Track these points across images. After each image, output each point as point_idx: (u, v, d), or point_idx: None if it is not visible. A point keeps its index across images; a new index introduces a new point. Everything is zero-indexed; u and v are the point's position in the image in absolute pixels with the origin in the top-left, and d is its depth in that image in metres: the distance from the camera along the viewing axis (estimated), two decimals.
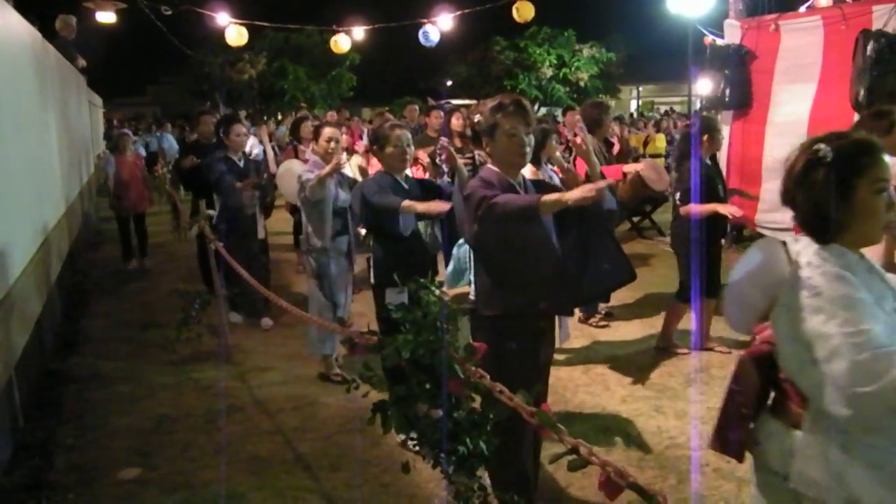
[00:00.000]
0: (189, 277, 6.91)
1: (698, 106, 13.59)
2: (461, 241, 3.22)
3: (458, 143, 7.12)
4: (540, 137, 4.62)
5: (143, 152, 15.86)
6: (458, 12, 11.94)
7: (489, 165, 2.74)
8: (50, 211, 5.66)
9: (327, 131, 4.69)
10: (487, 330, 2.65)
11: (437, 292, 2.12)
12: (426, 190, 3.82)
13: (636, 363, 4.79)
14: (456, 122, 7.23)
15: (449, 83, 29.92)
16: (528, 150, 2.65)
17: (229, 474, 3.44)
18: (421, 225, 3.92)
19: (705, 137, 4.73)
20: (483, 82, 27.94)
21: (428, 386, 2.05)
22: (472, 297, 2.76)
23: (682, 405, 4.11)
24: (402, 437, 2.26)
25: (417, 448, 2.17)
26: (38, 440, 3.82)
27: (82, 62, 9.20)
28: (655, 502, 1.45)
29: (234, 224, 5.56)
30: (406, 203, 3.57)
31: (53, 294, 5.36)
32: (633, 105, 34.91)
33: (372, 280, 3.81)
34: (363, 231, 4.21)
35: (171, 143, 17.27)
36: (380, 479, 3.37)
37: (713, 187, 4.77)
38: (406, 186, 3.76)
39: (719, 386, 4.36)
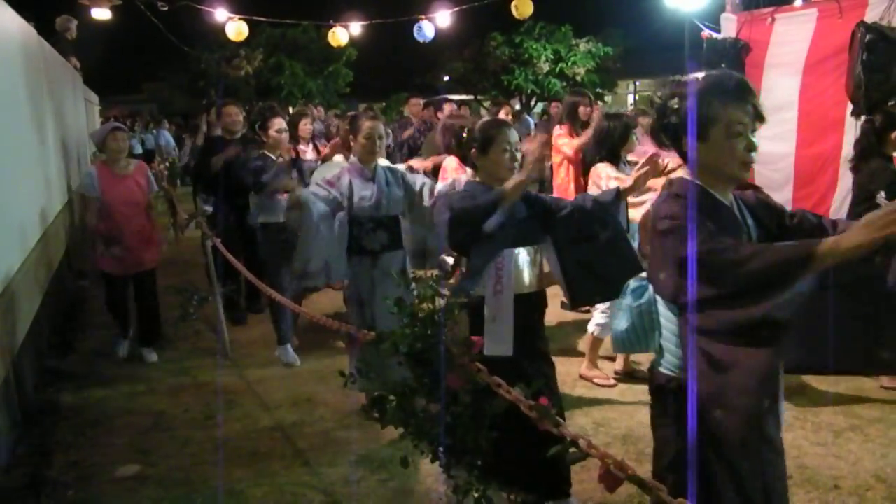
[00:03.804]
0: (186, 274, 6.89)
1: None
2: (633, 284, 2.20)
3: None
4: (622, 131, 4.26)
5: (139, 150, 15.83)
6: (455, 8, 11.91)
7: (683, 175, 1.89)
8: (48, 207, 5.64)
9: (367, 125, 3.83)
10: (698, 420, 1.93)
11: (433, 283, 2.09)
12: (536, 208, 2.84)
13: (633, 356, 4.79)
14: (504, 118, 7.04)
15: (446, 79, 29.88)
16: (755, 155, 1.81)
17: (228, 470, 3.44)
18: (524, 254, 2.95)
19: (894, 135, 4.03)
20: (480, 78, 27.95)
21: (426, 380, 2.04)
22: (662, 370, 2.08)
23: None
24: (401, 431, 2.24)
25: (416, 443, 2.17)
26: (36, 438, 3.83)
27: (76, 63, 9.13)
28: (654, 494, 1.45)
29: (275, 230, 4.85)
30: (510, 184, 2.60)
31: (51, 291, 5.35)
32: (631, 100, 34.88)
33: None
34: (450, 260, 3.36)
35: (168, 139, 17.35)
36: (378, 473, 3.37)
37: None
38: None
39: None
